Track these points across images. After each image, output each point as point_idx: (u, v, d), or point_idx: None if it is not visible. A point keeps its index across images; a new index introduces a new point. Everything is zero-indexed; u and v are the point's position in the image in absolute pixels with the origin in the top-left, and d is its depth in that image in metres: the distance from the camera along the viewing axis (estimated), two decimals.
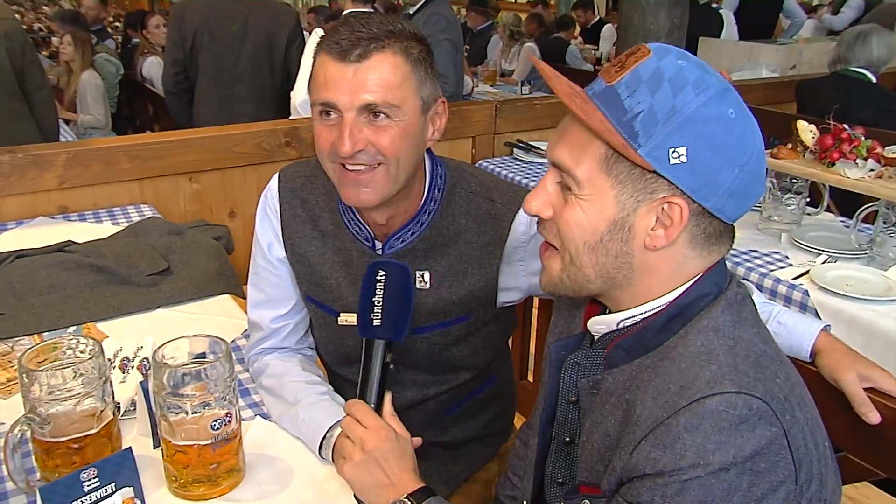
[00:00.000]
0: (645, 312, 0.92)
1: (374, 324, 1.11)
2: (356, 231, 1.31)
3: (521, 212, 1.31)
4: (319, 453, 1.23)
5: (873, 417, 1.11)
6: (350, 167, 1.18)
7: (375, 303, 1.11)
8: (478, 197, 1.33)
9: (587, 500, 0.96)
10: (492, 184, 1.36)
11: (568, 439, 1.04)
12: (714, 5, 5.33)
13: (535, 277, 1.33)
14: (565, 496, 1.01)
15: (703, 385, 0.81)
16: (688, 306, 0.90)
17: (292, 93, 3.24)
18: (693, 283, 0.90)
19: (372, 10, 3.42)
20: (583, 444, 0.97)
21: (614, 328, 0.95)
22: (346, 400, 1.37)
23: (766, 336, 0.91)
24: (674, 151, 0.83)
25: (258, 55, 3.36)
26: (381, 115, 1.15)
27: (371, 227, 1.31)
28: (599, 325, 0.97)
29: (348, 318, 1.35)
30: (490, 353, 1.47)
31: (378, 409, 1.10)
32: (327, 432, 1.23)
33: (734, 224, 0.92)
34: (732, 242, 0.93)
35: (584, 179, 0.88)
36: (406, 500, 1.01)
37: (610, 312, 0.97)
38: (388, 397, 1.11)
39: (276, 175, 1.41)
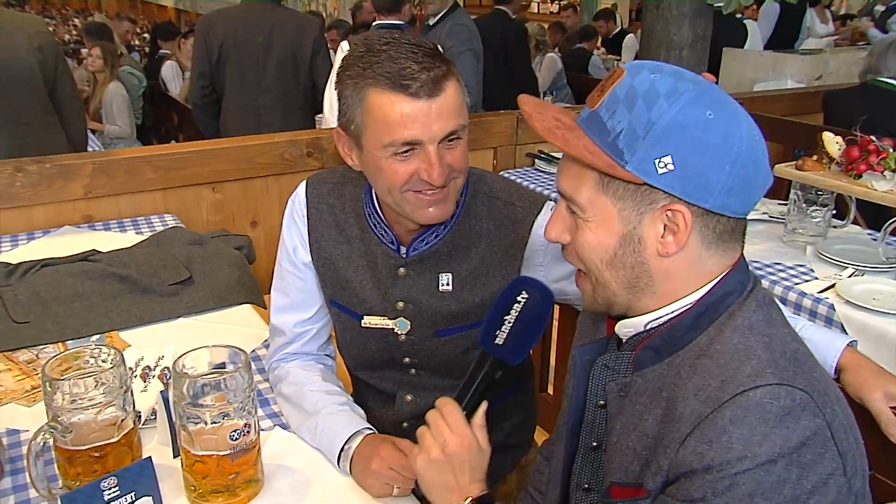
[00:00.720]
0: (672, 312, 0.94)
1: (496, 341, 1.10)
2: (381, 235, 1.34)
3: (540, 215, 1.34)
4: (338, 464, 1.23)
5: None
6: (430, 191, 1.21)
7: (506, 321, 1.09)
8: (498, 201, 1.35)
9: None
10: (512, 189, 1.39)
11: (595, 444, 1.05)
12: (739, 15, 5.30)
13: (556, 284, 1.35)
14: (601, 500, 1.01)
15: (744, 378, 0.83)
16: (714, 304, 0.92)
17: (324, 114, 3.26)
18: (718, 282, 0.92)
19: (400, 21, 3.43)
20: (613, 445, 0.98)
21: (642, 329, 0.97)
22: (365, 408, 1.38)
23: (797, 336, 0.92)
24: (659, 162, 0.86)
25: (283, 66, 3.40)
26: (456, 137, 1.20)
27: (397, 233, 1.33)
28: (627, 327, 0.99)
29: (372, 321, 1.37)
30: None
31: (469, 417, 1.09)
32: (345, 444, 1.23)
33: (746, 220, 0.94)
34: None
35: (585, 204, 0.92)
36: (469, 502, 1.02)
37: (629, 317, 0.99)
38: (482, 408, 1.10)
39: (304, 182, 1.44)
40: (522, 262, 1.35)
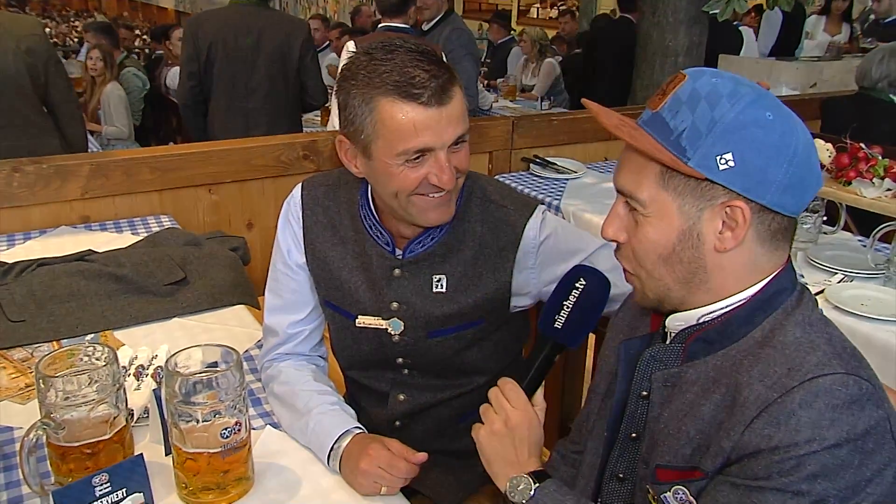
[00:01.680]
0: (726, 307, 0.97)
1: (555, 325, 1.13)
2: (377, 237, 1.36)
3: (532, 219, 1.37)
4: (328, 463, 1.24)
5: None
6: (437, 194, 1.24)
7: (565, 306, 1.13)
8: (492, 204, 1.38)
9: (681, 487, 0.97)
10: (505, 192, 1.42)
11: (634, 435, 1.08)
12: (735, 23, 5.33)
13: (547, 286, 1.39)
14: (651, 483, 1.02)
15: (812, 367, 0.87)
16: (767, 300, 0.95)
17: (333, 115, 3.28)
18: (771, 279, 0.96)
19: (405, 25, 3.44)
20: (660, 431, 1.01)
21: (694, 323, 1.00)
22: (357, 410, 1.39)
23: (846, 336, 0.96)
24: (721, 158, 0.90)
25: (272, 68, 3.41)
26: (462, 141, 1.23)
27: (392, 234, 1.35)
28: (678, 321, 1.02)
29: (366, 321, 1.39)
30: (503, 359, 1.50)
31: (529, 397, 1.12)
32: (335, 442, 1.24)
33: (797, 220, 0.97)
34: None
35: (647, 199, 0.96)
36: (527, 476, 1.05)
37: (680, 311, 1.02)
38: (540, 389, 1.14)
39: (300, 184, 1.46)
40: (514, 265, 1.37)
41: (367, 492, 1.20)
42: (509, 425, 1.08)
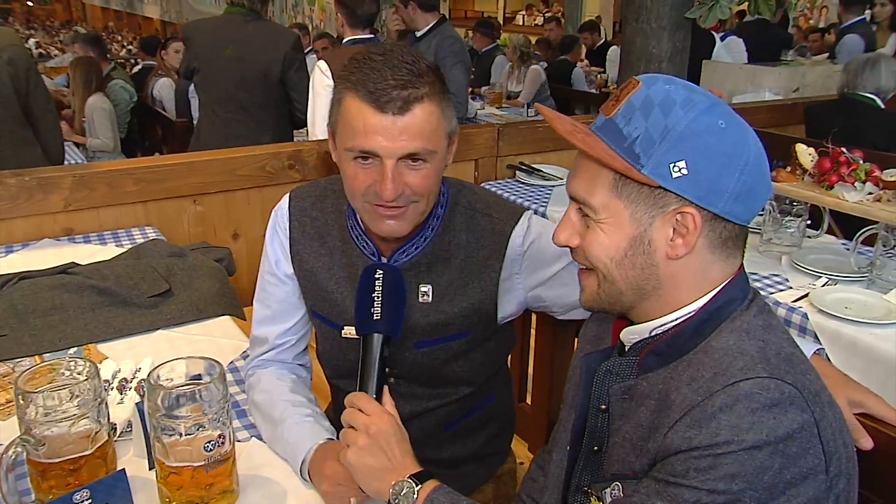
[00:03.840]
0: (676, 319, 0.98)
1: (374, 318, 1.16)
2: (363, 246, 1.36)
3: (518, 226, 1.37)
4: (301, 475, 1.24)
5: (865, 443, 1.10)
6: (385, 207, 1.23)
7: (374, 298, 1.16)
8: (477, 213, 1.38)
9: (617, 483, 0.99)
10: (491, 200, 1.41)
11: (596, 448, 1.08)
12: (722, 34, 5.35)
13: (532, 291, 1.40)
14: (592, 482, 1.05)
15: (736, 371, 0.87)
16: (717, 311, 0.96)
17: (309, 126, 3.26)
18: (721, 289, 0.96)
19: (372, 35, 3.43)
20: (614, 443, 1.01)
21: (647, 336, 1.01)
22: (331, 424, 1.38)
23: (794, 342, 0.96)
24: (674, 166, 0.90)
25: (253, 78, 3.40)
26: (420, 160, 1.21)
27: (376, 243, 1.35)
28: (632, 334, 1.03)
29: (351, 332, 1.38)
30: (489, 370, 1.49)
31: (378, 400, 1.14)
32: (305, 455, 1.24)
33: (748, 228, 0.98)
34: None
35: (599, 206, 0.96)
36: (409, 480, 1.05)
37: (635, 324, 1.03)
38: (386, 389, 1.15)
39: (288, 194, 1.46)
40: (500, 273, 1.36)
41: None
42: (371, 433, 1.08)
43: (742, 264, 0.99)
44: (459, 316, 1.36)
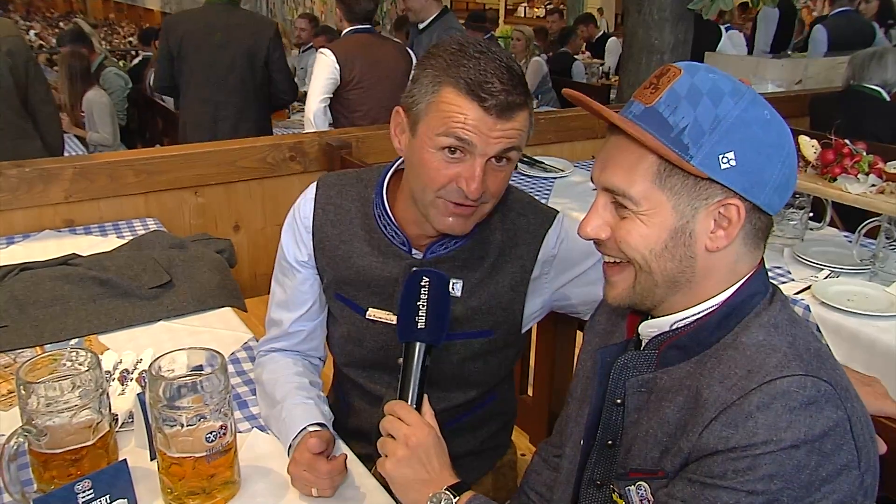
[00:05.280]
0: (699, 313, 0.96)
1: (419, 326, 1.13)
2: (391, 236, 1.35)
3: (551, 229, 1.38)
4: (288, 454, 1.25)
5: (880, 447, 1.02)
6: (459, 205, 1.22)
7: (420, 307, 1.14)
8: (512, 212, 1.38)
9: (643, 483, 0.98)
10: (525, 200, 1.42)
11: (610, 442, 1.07)
12: (725, 25, 5.34)
13: (559, 290, 1.41)
14: (616, 479, 1.03)
15: (771, 369, 0.86)
16: (740, 305, 0.94)
17: (307, 110, 3.37)
18: (744, 283, 0.95)
19: (371, 27, 3.45)
20: (633, 436, 1.00)
21: (667, 329, 0.99)
22: (349, 411, 1.38)
23: (818, 337, 0.96)
24: (723, 157, 0.88)
25: (241, 62, 3.65)
26: (504, 160, 1.21)
27: (409, 235, 1.34)
28: (651, 328, 1.01)
29: (377, 314, 1.39)
30: (498, 376, 1.50)
31: (418, 410, 1.12)
32: (300, 434, 1.25)
33: (784, 215, 0.98)
34: None
35: (640, 197, 0.93)
36: (447, 491, 1.04)
37: (654, 318, 1.01)
38: (426, 399, 1.13)
39: (316, 181, 1.45)
40: (532, 273, 1.37)
41: (303, 491, 1.20)
42: (411, 445, 1.06)
43: (763, 258, 0.98)
44: (485, 312, 1.36)
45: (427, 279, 1.15)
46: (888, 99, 3.40)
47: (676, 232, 0.92)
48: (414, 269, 1.20)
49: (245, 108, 3.69)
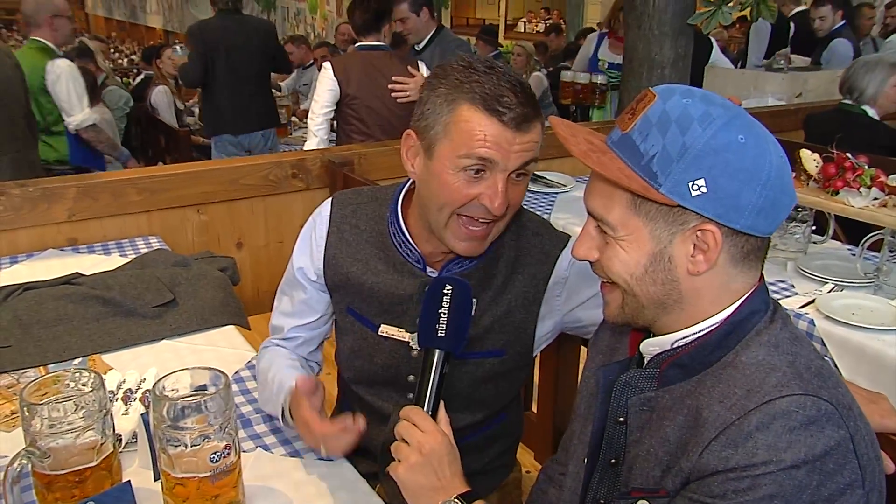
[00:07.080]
0: (699, 331, 0.96)
1: (439, 334, 1.14)
2: (406, 254, 1.36)
3: (565, 250, 1.37)
4: (283, 418, 1.28)
5: (888, 465, 1.04)
6: (477, 225, 1.23)
7: (441, 314, 1.14)
8: (528, 232, 1.38)
9: (645, 501, 0.98)
10: (539, 220, 1.43)
11: (613, 461, 1.07)
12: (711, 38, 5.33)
13: (570, 313, 1.41)
14: (619, 498, 1.03)
15: (770, 388, 0.86)
16: (741, 323, 0.94)
17: (308, 120, 3.50)
18: (744, 301, 0.95)
19: (380, 42, 3.48)
20: (635, 455, 1.00)
21: (668, 348, 0.99)
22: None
23: (820, 355, 0.95)
24: (693, 185, 0.88)
25: (261, 58, 4.68)
26: (523, 174, 1.22)
27: (423, 252, 1.35)
28: (652, 346, 1.01)
29: (389, 331, 1.38)
30: (504, 400, 1.50)
31: (433, 417, 1.12)
32: (287, 398, 1.29)
33: (769, 239, 0.96)
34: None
35: (617, 223, 0.95)
36: (456, 499, 1.04)
37: (656, 336, 1.01)
38: (442, 406, 1.13)
39: (330, 199, 1.46)
40: (544, 294, 1.37)
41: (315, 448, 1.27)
42: (425, 452, 1.06)
43: (762, 275, 0.98)
44: (497, 331, 1.36)
45: (450, 287, 1.15)
46: (876, 117, 3.30)
47: (655, 257, 0.93)
48: (438, 276, 1.20)
49: (266, 93, 4.89)
